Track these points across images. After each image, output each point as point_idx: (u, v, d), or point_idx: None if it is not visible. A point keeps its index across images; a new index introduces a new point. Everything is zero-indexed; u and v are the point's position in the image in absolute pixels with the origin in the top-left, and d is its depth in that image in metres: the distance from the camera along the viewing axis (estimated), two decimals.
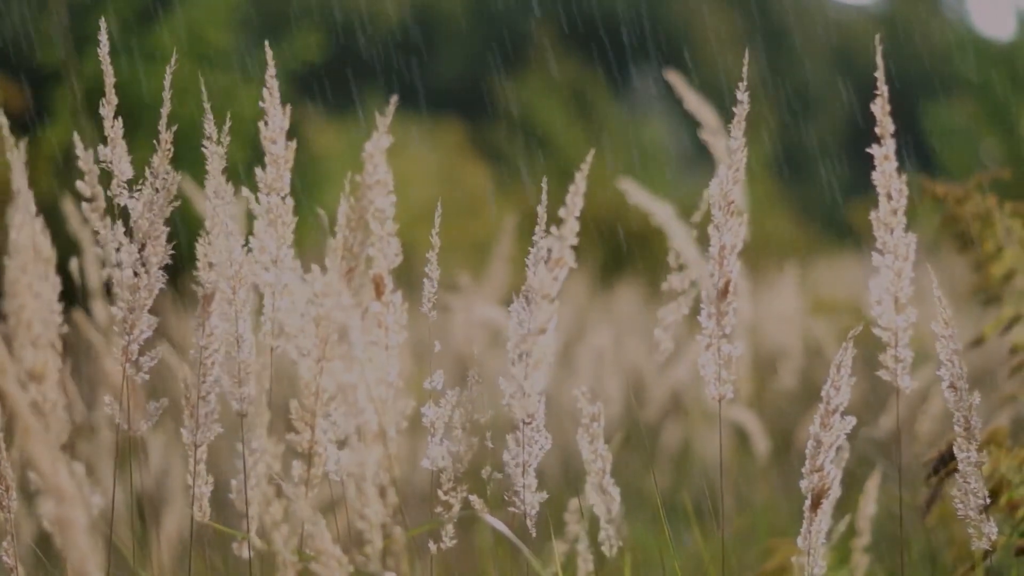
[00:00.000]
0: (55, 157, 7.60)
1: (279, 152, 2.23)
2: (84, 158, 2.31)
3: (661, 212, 3.66)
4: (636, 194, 3.67)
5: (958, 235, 3.08)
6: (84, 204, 2.33)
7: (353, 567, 1.94)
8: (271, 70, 2.22)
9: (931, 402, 4.11)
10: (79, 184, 2.33)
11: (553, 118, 17.50)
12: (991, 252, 3.05)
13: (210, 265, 2.21)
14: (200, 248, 2.21)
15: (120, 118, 2.25)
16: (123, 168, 2.23)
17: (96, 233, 2.30)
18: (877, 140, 2.20)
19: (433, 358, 2.20)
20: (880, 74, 2.20)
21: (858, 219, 11.00)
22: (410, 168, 13.34)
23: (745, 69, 2.23)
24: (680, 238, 3.61)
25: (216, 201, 2.21)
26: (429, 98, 18.20)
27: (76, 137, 2.33)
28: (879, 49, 2.20)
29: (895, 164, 2.20)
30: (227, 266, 2.20)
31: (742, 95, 2.21)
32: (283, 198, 2.23)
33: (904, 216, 2.21)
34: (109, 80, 2.22)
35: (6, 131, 2.49)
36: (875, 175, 2.20)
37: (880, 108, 2.19)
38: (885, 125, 2.20)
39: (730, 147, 2.21)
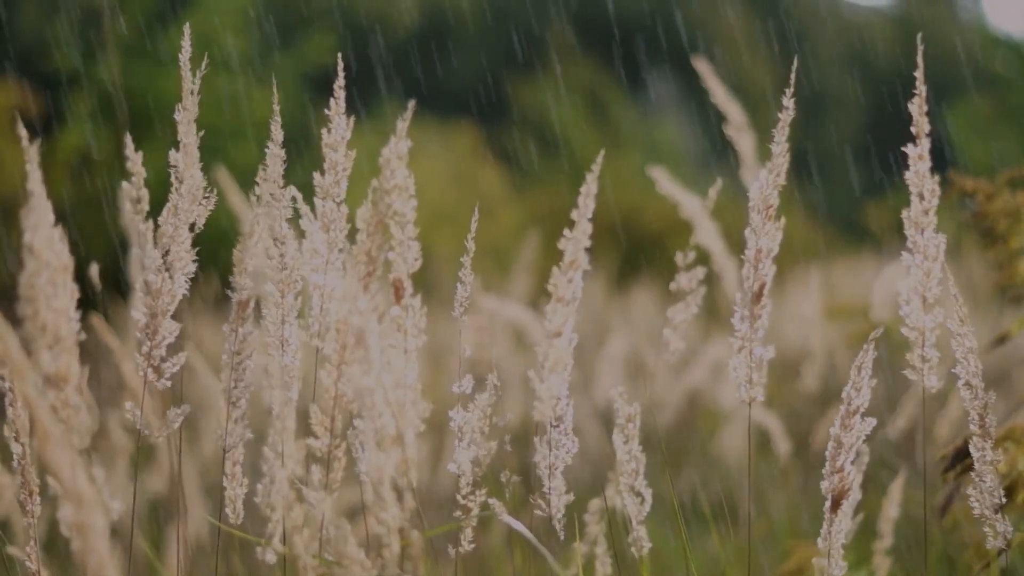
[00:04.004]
0: (70, 161, 7.61)
1: (339, 159, 2.23)
2: (133, 159, 2.31)
3: (689, 204, 3.63)
4: (666, 184, 3.65)
5: (984, 232, 3.06)
6: (128, 206, 2.33)
7: (375, 572, 1.93)
8: (340, 80, 2.22)
9: (949, 404, 4.08)
10: (125, 186, 2.33)
11: (568, 121, 17.49)
12: (1018, 249, 3.03)
13: (245, 271, 2.21)
14: (236, 253, 2.21)
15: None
16: (195, 175, 2.22)
17: (139, 236, 2.29)
18: (911, 139, 2.19)
19: (453, 362, 2.20)
20: (920, 73, 2.19)
21: (875, 221, 10.96)
22: (425, 171, 13.33)
23: (793, 77, 2.22)
24: (707, 232, 3.59)
25: (268, 206, 2.21)
26: (444, 101, 18.20)
27: (128, 139, 2.33)
28: (920, 49, 2.19)
29: (929, 164, 2.20)
30: (278, 270, 2.20)
31: (787, 101, 2.20)
32: (338, 204, 2.23)
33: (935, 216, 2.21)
34: (187, 86, 2.21)
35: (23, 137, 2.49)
36: (908, 175, 2.20)
37: (917, 107, 2.19)
38: (921, 124, 2.19)
39: (772, 152, 2.20)
